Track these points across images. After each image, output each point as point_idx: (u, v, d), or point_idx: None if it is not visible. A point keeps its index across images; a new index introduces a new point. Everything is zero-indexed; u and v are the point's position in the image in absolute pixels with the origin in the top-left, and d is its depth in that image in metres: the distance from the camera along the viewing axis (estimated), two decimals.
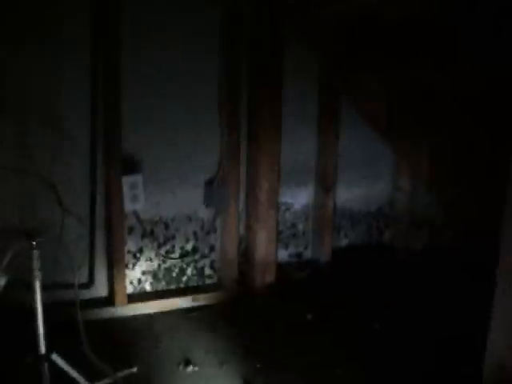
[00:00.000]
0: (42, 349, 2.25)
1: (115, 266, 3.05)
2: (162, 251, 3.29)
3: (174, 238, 3.30)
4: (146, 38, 2.96)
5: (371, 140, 3.32)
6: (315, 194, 3.64)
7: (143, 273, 3.26)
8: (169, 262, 3.31)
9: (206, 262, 3.41)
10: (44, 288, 2.23)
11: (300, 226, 3.69)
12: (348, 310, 3.22)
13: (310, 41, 2.57)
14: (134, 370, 2.62)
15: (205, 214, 3.34)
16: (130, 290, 3.21)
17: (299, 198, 3.64)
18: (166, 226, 3.27)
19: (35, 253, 2.19)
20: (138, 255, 3.22)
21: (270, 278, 3.40)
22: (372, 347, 2.87)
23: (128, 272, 3.17)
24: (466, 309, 2.97)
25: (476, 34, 1.54)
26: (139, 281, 3.26)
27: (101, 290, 3.15)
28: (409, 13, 1.69)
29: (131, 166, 3.05)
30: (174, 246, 3.31)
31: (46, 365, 2.22)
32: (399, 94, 1.97)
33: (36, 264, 2.19)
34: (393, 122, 2.03)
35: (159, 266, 3.29)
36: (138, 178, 3.05)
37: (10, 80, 2.76)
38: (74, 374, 2.29)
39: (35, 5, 2.73)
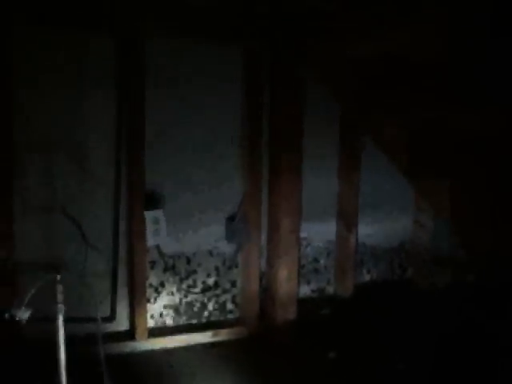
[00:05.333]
0: (64, 382, 2.25)
1: (136, 300, 3.08)
2: (184, 286, 3.30)
3: (195, 272, 3.32)
4: (166, 67, 3.05)
5: (393, 176, 3.32)
6: (337, 230, 3.64)
7: (165, 307, 3.27)
8: (190, 297, 3.32)
9: (228, 296, 3.41)
10: (66, 321, 2.25)
11: (322, 261, 3.68)
12: (371, 349, 3.16)
13: (331, 81, 2.61)
14: None
15: (226, 249, 3.36)
16: (151, 324, 3.22)
17: (321, 233, 3.64)
18: (188, 261, 3.29)
19: (59, 287, 2.22)
20: (159, 289, 3.24)
21: (291, 314, 3.37)
22: None
23: (149, 306, 3.19)
24: (492, 348, 2.89)
25: (494, 74, 1.55)
26: (160, 315, 3.26)
27: (122, 323, 3.16)
28: (429, 56, 1.71)
29: (153, 202, 3.10)
30: (195, 281, 3.32)
31: None
32: (421, 134, 1.97)
33: (59, 297, 2.22)
34: (414, 161, 2.03)
35: (181, 300, 3.30)
36: (160, 213, 3.10)
37: (36, 121, 2.86)
38: None
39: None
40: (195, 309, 3.34)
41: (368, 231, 3.72)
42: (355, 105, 2.35)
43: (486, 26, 1.44)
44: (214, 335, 3.27)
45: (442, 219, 3.04)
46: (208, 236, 3.30)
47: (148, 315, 3.17)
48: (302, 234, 3.46)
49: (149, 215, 3.07)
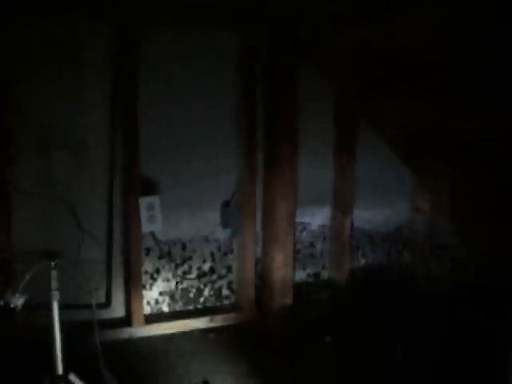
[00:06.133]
0: (60, 369, 2.26)
1: (132, 287, 3.08)
2: (180, 272, 3.30)
3: (191, 258, 3.31)
4: (165, 62, 3.03)
5: (390, 163, 3.31)
6: (332, 215, 3.63)
7: (160, 293, 3.27)
8: (186, 283, 3.33)
9: (224, 282, 3.42)
10: (62, 308, 2.25)
11: (318, 246, 3.68)
12: (366, 334, 3.16)
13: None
14: None
15: (222, 234, 3.36)
16: (147, 310, 3.22)
17: (316, 217, 3.64)
18: (183, 247, 3.29)
19: (54, 273, 2.21)
20: (155, 276, 3.24)
21: (287, 299, 3.38)
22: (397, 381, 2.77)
23: (145, 292, 3.20)
24: (491, 342, 2.88)
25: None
26: (156, 301, 3.27)
27: (118, 310, 3.16)
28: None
29: (148, 188, 3.08)
30: (191, 267, 3.33)
31: None
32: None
33: (54, 284, 2.22)
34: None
35: (176, 286, 3.31)
36: (155, 200, 3.08)
37: (34, 114, 2.84)
38: None
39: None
40: (191, 295, 3.35)
41: (364, 215, 3.72)
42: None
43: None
44: (210, 321, 3.28)
45: (440, 213, 3.03)
46: (203, 222, 3.29)
47: (144, 302, 3.18)
48: (298, 218, 3.46)
49: (144, 201, 3.05)
